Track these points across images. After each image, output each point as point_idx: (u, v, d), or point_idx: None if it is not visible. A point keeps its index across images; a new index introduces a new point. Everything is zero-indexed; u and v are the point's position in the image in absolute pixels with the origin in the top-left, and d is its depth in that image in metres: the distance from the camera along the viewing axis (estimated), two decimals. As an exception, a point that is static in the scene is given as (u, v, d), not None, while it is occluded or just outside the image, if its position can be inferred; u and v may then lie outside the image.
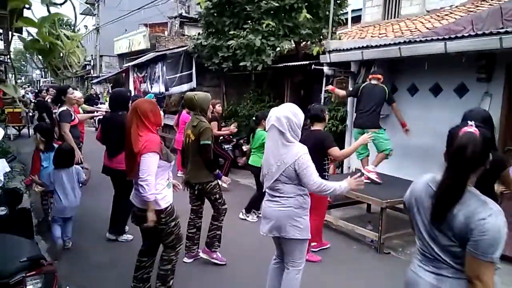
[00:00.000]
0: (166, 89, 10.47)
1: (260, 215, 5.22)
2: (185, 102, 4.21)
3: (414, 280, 1.84)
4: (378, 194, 4.80)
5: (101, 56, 23.07)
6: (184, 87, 10.44)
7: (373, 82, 5.45)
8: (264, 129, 5.65)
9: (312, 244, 4.39)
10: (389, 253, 4.67)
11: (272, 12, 8.30)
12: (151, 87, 11.42)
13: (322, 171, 3.98)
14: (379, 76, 5.50)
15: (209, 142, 3.88)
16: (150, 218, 2.88)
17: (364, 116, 5.36)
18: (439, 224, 1.72)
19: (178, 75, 10.40)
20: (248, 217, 5.57)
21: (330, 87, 6.08)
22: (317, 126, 4.23)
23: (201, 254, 4.15)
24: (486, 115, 3.04)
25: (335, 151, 4.05)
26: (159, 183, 2.99)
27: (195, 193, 4.09)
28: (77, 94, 7.80)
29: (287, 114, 2.74)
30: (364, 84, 5.43)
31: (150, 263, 3.29)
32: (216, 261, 4.09)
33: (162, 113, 4.91)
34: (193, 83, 10.39)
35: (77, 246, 4.43)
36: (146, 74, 11.97)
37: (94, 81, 21.83)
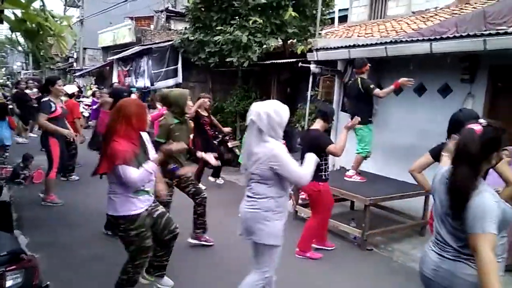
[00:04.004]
0: (152, 84, 10.37)
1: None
2: (160, 98, 4.23)
3: (424, 257, 2.10)
4: (362, 192, 4.85)
5: (84, 48, 22.62)
6: (170, 81, 10.36)
7: (356, 77, 5.43)
8: None
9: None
10: (372, 250, 4.73)
11: (259, 8, 8.29)
12: (136, 81, 11.29)
13: (318, 171, 3.98)
14: (359, 70, 5.35)
15: (161, 140, 3.81)
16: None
17: (349, 113, 5.41)
18: (453, 212, 1.87)
19: (164, 69, 10.31)
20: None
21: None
22: (318, 125, 4.19)
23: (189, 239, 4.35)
24: (476, 115, 3.08)
25: (332, 148, 4.06)
26: (122, 189, 2.81)
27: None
28: (71, 88, 7.70)
29: (268, 111, 2.57)
30: (350, 82, 5.46)
31: (162, 253, 3.29)
32: (206, 243, 4.39)
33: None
34: (179, 78, 10.31)
35: (66, 241, 4.36)
36: (131, 68, 11.82)
37: (76, 74, 21.37)
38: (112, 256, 3.85)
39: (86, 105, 13.06)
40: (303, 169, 2.69)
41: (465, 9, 7.92)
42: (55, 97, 5.36)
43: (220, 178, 7.43)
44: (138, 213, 2.83)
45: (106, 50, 18.99)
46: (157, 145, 3.59)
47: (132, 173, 2.67)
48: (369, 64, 5.35)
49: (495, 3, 7.09)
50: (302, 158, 3.16)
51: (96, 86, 15.85)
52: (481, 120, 1.83)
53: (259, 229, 2.64)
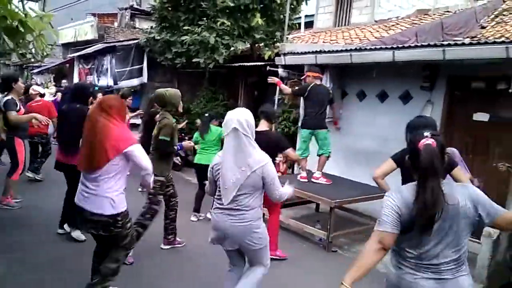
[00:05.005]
0: (115, 83, 10.10)
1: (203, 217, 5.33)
2: (156, 98, 4.21)
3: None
4: (327, 194, 4.96)
5: (42, 44, 21.69)
6: (135, 81, 10.15)
7: (318, 82, 5.61)
8: (218, 125, 5.68)
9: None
10: (336, 251, 4.84)
11: (227, 11, 8.29)
12: (98, 79, 10.95)
13: None
14: (321, 75, 5.73)
15: (167, 139, 3.94)
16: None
17: (316, 117, 5.51)
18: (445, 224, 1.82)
19: (128, 68, 10.08)
20: (201, 216, 5.55)
21: (275, 79, 5.97)
22: (264, 126, 4.23)
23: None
24: (434, 122, 3.24)
25: (292, 151, 4.12)
26: (120, 184, 2.87)
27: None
28: (37, 88, 7.34)
29: (247, 118, 2.65)
30: (311, 85, 5.57)
31: None
32: (177, 245, 4.43)
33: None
34: (144, 78, 10.12)
35: (25, 243, 4.15)
36: (93, 66, 11.45)
37: (34, 71, 20.38)
38: (67, 262, 3.78)
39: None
40: (283, 188, 2.84)
41: (425, 20, 8.32)
42: (17, 95, 5.14)
43: None
44: (126, 207, 2.96)
45: (67, 46, 18.27)
46: (165, 144, 3.93)
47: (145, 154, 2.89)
48: None
49: (452, 15, 7.50)
50: None
51: (54, 84, 15.20)
52: (426, 133, 1.87)
53: (255, 238, 2.74)
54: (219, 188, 2.73)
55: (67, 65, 15.35)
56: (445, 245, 1.83)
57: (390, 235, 1.84)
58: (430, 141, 1.83)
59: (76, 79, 12.17)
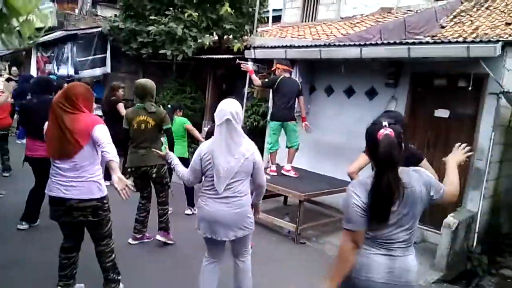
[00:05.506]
0: (76, 72, 9.69)
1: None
2: (138, 89, 4.14)
3: (366, 263, 1.94)
4: (296, 188, 5.03)
5: (-5, 29, 20.41)
6: (97, 71, 9.81)
7: (287, 75, 5.69)
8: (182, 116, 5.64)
9: None
10: (305, 243, 4.93)
11: (195, 1, 8.15)
12: (58, 68, 10.46)
13: None
14: (291, 69, 5.86)
15: (171, 126, 4.27)
16: (117, 182, 2.64)
17: (285, 109, 5.56)
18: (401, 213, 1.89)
19: (90, 57, 9.73)
20: (196, 210, 5.48)
21: (249, 67, 6.04)
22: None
23: (159, 237, 4.31)
24: (400, 117, 3.33)
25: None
26: (99, 167, 2.88)
27: (140, 180, 4.23)
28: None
29: (238, 109, 2.75)
30: (281, 77, 5.60)
31: (77, 257, 3.09)
32: (171, 242, 4.35)
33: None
34: (107, 68, 9.80)
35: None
36: (52, 54, 10.91)
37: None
38: (28, 259, 3.65)
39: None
40: None
41: (388, 18, 8.57)
42: None
43: None
44: None
45: (22, 33, 17.33)
46: (171, 131, 4.20)
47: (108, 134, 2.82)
48: None
49: (414, 14, 7.77)
50: None
51: (9, 73, 14.36)
52: (384, 123, 1.88)
53: (247, 222, 2.85)
54: (209, 178, 2.77)
55: (23, 52, 14.54)
56: (401, 229, 1.91)
57: (357, 233, 1.91)
58: (388, 130, 1.85)
59: (34, 67, 11.56)
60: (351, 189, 1.94)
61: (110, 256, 3.08)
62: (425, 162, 3.39)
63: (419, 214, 1.95)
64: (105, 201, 2.92)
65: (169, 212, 5.40)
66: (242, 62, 5.93)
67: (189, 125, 5.58)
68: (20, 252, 3.82)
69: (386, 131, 1.85)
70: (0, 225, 4.37)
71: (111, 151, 2.73)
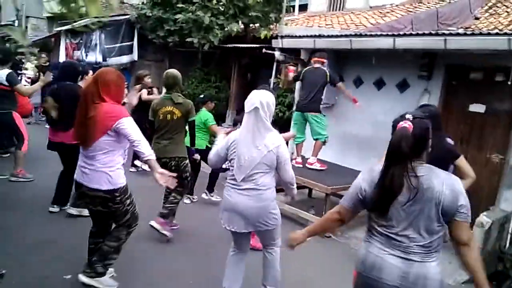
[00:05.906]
0: (104, 59, 9.81)
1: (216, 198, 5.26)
2: (168, 79, 4.09)
3: (379, 263, 1.87)
4: (323, 181, 4.96)
5: (27, 17, 20.82)
6: (124, 58, 9.90)
7: (316, 65, 5.52)
8: (210, 110, 5.56)
9: None
10: (330, 237, 4.87)
11: (223, -11, 8.08)
12: (86, 55, 10.58)
13: None
14: (323, 59, 5.57)
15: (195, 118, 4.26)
16: (159, 178, 2.66)
17: (305, 100, 5.46)
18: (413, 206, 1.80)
19: (118, 45, 9.82)
20: (212, 196, 5.49)
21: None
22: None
23: (153, 223, 4.03)
24: (434, 112, 3.21)
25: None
26: (116, 159, 2.82)
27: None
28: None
29: (269, 101, 2.70)
30: (306, 68, 5.49)
31: None
32: (165, 232, 4.08)
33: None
34: (135, 55, 9.88)
35: (9, 226, 4.00)
36: (81, 41, 11.04)
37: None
38: (62, 241, 3.72)
39: (28, 78, 12.06)
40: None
41: (419, 8, 8.28)
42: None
43: None
44: (126, 182, 2.90)
45: (52, 20, 17.65)
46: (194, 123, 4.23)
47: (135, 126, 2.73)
48: None
49: (446, 4, 7.48)
50: None
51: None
52: (408, 116, 1.82)
53: (270, 218, 2.76)
54: (232, 167, 2.74)
55: (53, 39, 14.83)
56: (416, 229, 1.81)
57: (346, 210, 2.03)
58: (407, 124, 1.80)
59: (62, 54, 11.76)
60: (362, 172, 2.01)
61: (113, 241, 2.96)
62: (461, 158, 3.27)
63: (435, 217, 1.78)
64: (116, 194, 2.81)
65: (193, 200, 5.51)
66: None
67: (213, 126, 5.34)
68: (52, 233, 3.91)
69: (404, 124, 1.80)
70: (33, 207, 4.48)
71: (145, 150, 2.70)
